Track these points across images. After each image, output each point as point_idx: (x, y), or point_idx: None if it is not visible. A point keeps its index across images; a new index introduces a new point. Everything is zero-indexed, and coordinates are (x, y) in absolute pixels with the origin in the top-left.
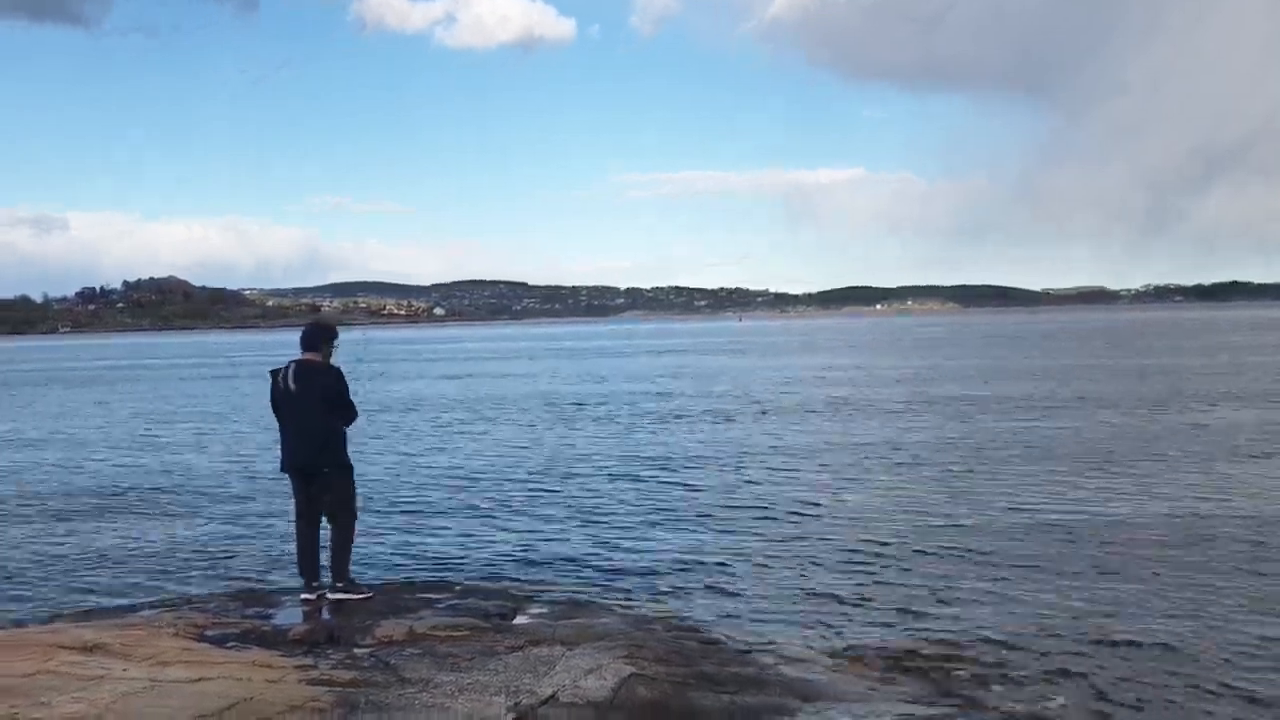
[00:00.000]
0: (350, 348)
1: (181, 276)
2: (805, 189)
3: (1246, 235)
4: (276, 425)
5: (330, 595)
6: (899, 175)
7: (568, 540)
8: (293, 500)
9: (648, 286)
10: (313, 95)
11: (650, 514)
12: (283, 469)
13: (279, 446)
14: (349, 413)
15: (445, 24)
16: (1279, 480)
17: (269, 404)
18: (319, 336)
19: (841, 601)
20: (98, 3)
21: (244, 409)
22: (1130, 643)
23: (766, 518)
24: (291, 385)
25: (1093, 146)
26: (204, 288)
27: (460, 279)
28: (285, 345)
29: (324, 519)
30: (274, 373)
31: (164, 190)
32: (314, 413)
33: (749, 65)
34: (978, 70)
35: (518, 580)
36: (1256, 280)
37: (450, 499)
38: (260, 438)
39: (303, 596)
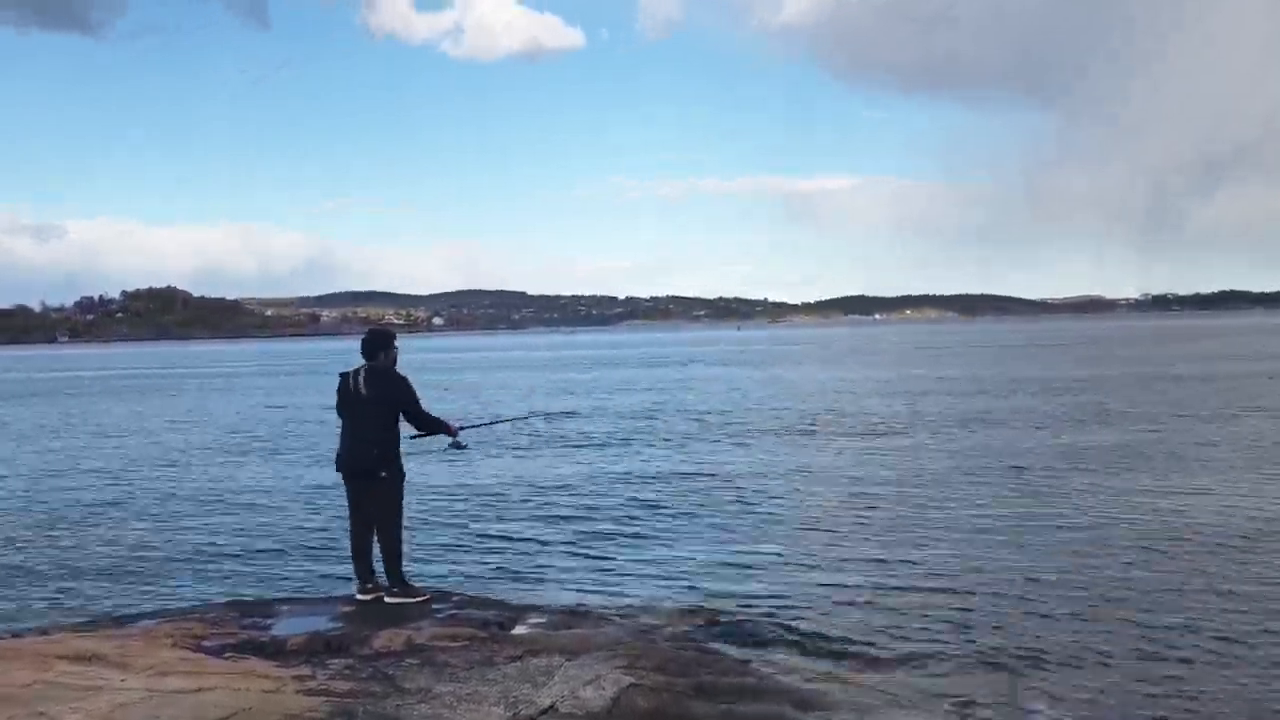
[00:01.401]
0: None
1: (180, 284)
2: (805, 197)
3: (1244, 246)
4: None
5: (388, 600)
6: (900, 184)
7: (567, 550)
8: (347, 501)
9: (646, 296)
10: (318, 105)
11: (650, 526)
12: (338, 468)
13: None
14: (422, 418)
15: (453, 35)
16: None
17: (335, 405)
18: (380, 344)
19: (843, 613)
20: (106, 12)
21: (251, 420)
22: (1138, 654)
23: (770, 530)
24: (363, 389)
25: (1092, 156)
26: (202, 297)
27: (459, 289)
28: (286, 354)
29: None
30: (344, 375)
31: (163, 198)
32: (378, 417)
33: (753, 71)
34: (983, 79)
35: (516, 590)
36: (1254, 289)
37: (449, 508)
38: (267, 448)
39: (357, 596)
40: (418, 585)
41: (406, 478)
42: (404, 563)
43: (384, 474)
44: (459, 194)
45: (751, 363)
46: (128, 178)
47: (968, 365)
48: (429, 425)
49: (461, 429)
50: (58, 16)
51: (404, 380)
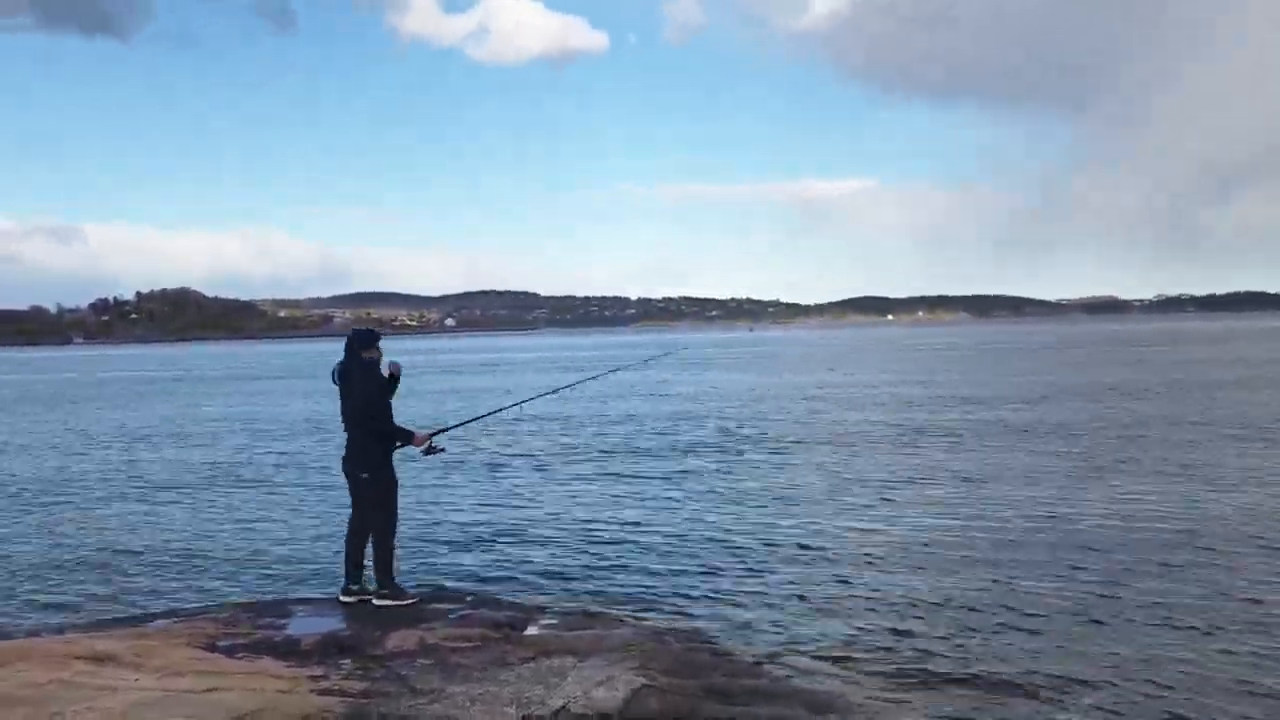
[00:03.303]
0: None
1: (195, 287)
2: (820, 199)
3: (1259, 246)
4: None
5: (376, 603)
6: (913, 185)
7: (580, 551)
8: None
9: (658, 297)
10: (338, 109)
11: (665, 527)
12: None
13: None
14: (380, 414)
15: (477, 36)
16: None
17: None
18: (358, 342)
19: (855, 616)
20: (133, 15)
21: (254, 419)
22: (1148, 659)
23: (782, 534)
24: (336, 386)
25: (1108, 159)
26: (216, 299)
27: (471, 290)
28: (295, 355)
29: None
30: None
31: (180, 202)
32: (353, 416)
33: (772, 75)
34: (998, 84)
35: (530, 591)
36: (1270, 290)
37: (459, 510)
38: (273, 446)
39: (340, 597)
40: (407, 589)
41: (398, 481)
42: (394, 565)
43: (365, 475)
44: (473, 197)
45: (763, 367)
46: (147, 181)
47: (984, 370)
48: (388, 428)
49: (435, 434)
50: (85, 20)
51: (371, 381)
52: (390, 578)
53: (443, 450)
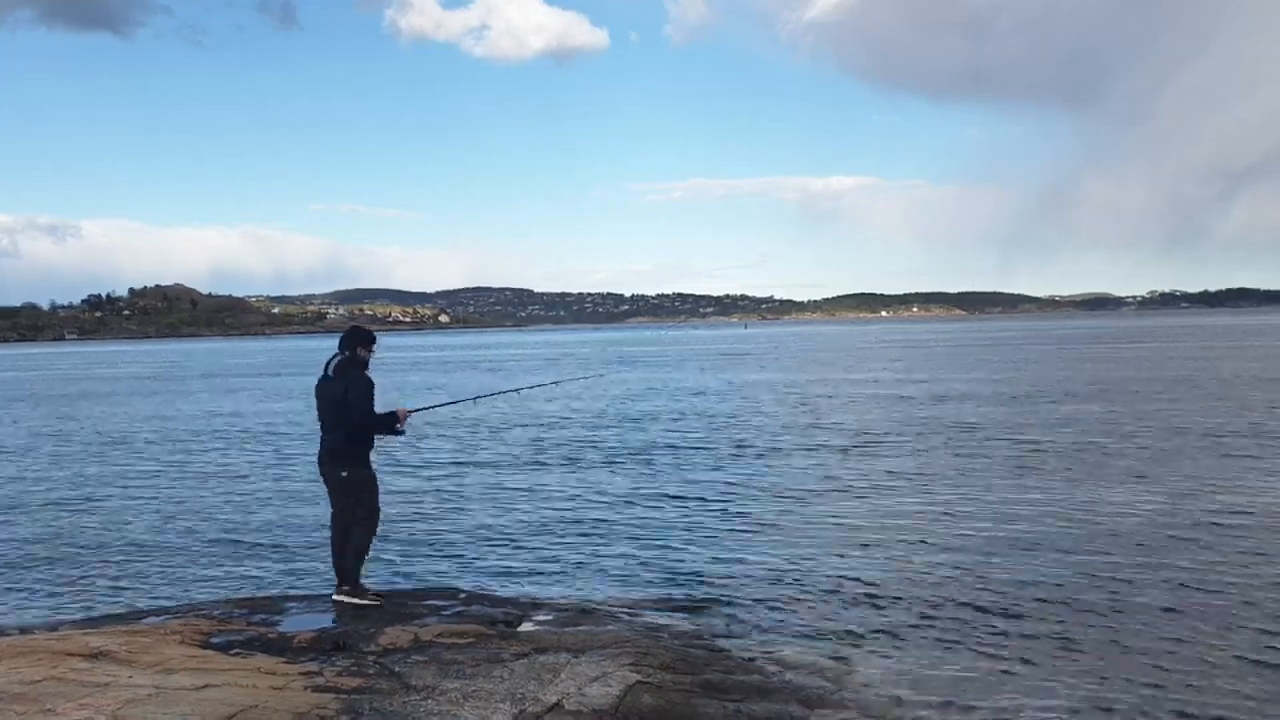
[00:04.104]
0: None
1: (191, 283)
2: (818, 196)
3: (1253, 243)
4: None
5: (335, 597)
6: (911, 183)
7: (574, 548)
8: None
9: (653, 293)
10: (338, 107)
11: (657, 524)
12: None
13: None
14: (366, 418)
15: (477, 33)
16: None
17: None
18: (355, 339)
19: (849, 612)
20: (137, 11)
21: (257, 418)
22: (1142, 661)
23: (775, 530)
24: (330, 377)
25: (1109, 160)
26: (210, 295)
27: (465, 286)
28: (290, 352)
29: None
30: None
31: (180, 200)
32: (338, 414)
33: (772, 74)
34: (1000, 83)
35: (524, 587)
36: (1263, 286)
37: (455, 507)
38: (269, 444)
39: (334, 597)
40: (372, 589)
41: (378, 480)
42: (366, 564)
43: (344, 473)
44: (470, 194)
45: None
46: (145, 177)
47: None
48: (374, 428)
49: (414, 411)
50: (85, 16)
51: (363, 380)
52: (356, 575)
53: (402, 433)
